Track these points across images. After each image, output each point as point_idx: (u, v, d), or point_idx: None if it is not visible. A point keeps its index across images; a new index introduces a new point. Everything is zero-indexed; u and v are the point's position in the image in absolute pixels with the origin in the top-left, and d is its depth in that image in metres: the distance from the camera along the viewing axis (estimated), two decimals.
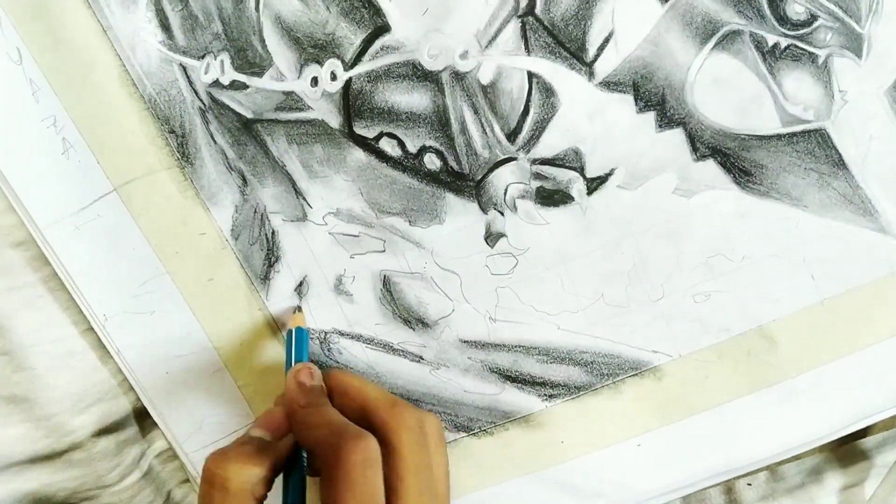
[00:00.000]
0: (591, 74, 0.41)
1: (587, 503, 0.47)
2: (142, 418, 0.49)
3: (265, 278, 0.45)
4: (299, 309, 0.46)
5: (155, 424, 0.48)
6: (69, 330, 0.46)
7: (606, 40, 0.40)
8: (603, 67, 0.41)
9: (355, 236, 0.44)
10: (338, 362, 0.46)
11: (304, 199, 0.44)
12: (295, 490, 0.40)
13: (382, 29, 0.41)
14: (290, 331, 0.45)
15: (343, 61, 0.42)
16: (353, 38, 0.41)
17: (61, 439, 0.47)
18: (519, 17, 0.40)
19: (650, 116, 0.41)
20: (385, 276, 0.45)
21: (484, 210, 0.43)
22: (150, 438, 0.50)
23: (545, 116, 0.41)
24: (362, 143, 0.43)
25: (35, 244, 0.44)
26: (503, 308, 0.45)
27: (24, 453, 0.47)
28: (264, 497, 0.38)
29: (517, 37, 0.41)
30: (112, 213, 0.44)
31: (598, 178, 0.42)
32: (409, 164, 0.43)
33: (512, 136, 0.42)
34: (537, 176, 0.42)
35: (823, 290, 0.43)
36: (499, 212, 0.43)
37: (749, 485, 0.49)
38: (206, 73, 0.42)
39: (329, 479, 0.36)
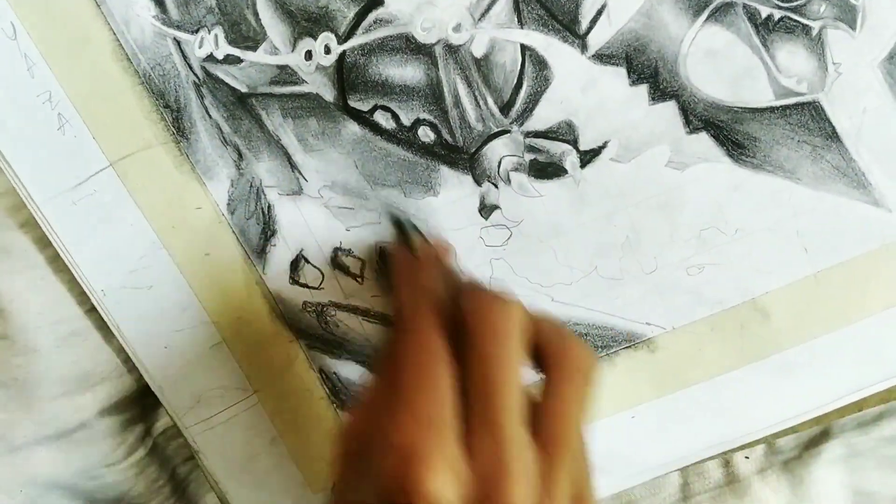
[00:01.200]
0: (583, 47, 0.41)
1: None
2: (145, 396, 0.49)
3: (262, 252, 0.46)
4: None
5: (159, 402, 0.49)
6: (74, 310, 0.47)
7: (599, 12, 0.40)
8: (596, 40, 0.41)
9: (351, 209, 0.44)
10: (335, 335, 0.47)
11: (300, 172, 0.44)
12: None
13: (375, 2, 0.41)
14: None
15: (337, 35, 0.42)
16: (346, 11, 0.41)
17: (67, 419, 0.48)
18: None
19: (643, 89, 0.41)
20: (381, 249, 0.45)
21: (478, 182, 0.43)
22: (154, 416, 0.50)
23: (538, 89, 0.42)
24: (357, 116, 0.43)
25: (38, 225, 0.44)
26: (497, 280, 0.45)
27: (29, 436, 0.47)
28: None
29: (510, 9, 0.41)
30: (108, 188, 0.44)
31: (592, 150, 0.42)
32: (404, 136, 0.43)
33: (505, 108, 0.42)
34: (531, 149, 0.42)
35: (816, 262, 0.43)
36: (493, 184, 0.43)
37: (747, 458, 0.49)
38: (200, 47, 0.43)
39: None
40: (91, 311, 0.47)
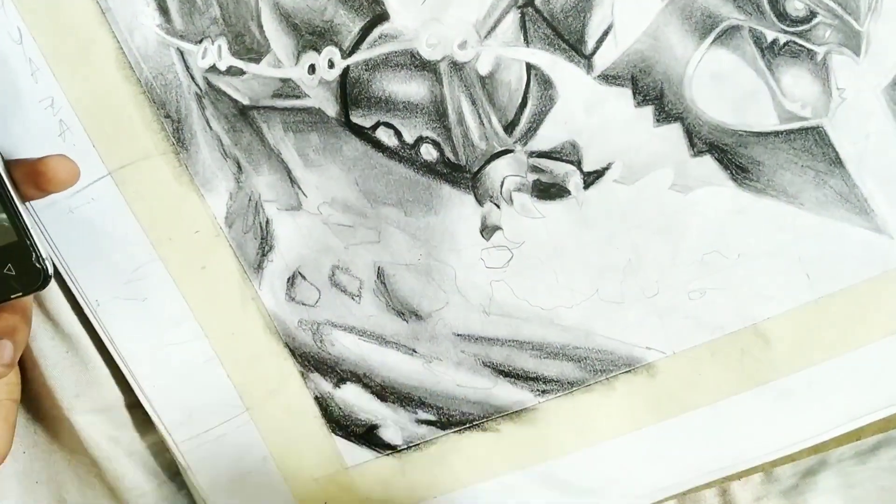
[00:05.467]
0: (589, 67, 0.41)
1: (578, 500, 0.47)
2: (135, 407, 0.49)
3: (258, 267, 0.45)
4: None
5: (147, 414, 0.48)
6: (68, 317, 0.46)
7: (605, 33, 0.40)
8: (602, 60, 0.41)
9: (350, 226, 0.44)
10: (330, 354, 0.46)
11: (300, 187, 0.44)
12: None
13: (381, 17, 0.41)
14: None
15: (341, 49, 0.42)
16: (351, 25, 0.41)
17: (53, 424, 0.47)
18: (518, 7, 0.40)
19: (648, 111, 0.41)
20: (379, 268, 0.45)
21: (480, 202, 0.43)
22: (142, 428, 0.50)
23: (543, 109, 0.41)
24: (359, 132, 0.43)
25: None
26: (497, 302, 0.44)
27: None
28: None
29: (516, 28, 0.41)
30: (106, 197, 0.44)
31: (595, 171, 0.42)
32: (406, 154, 0.43)
33: (509, 127, 0.42)
34: (534, 169, 0.42)
35: (818, 288, 0.43)
36: (495, 204, 0.43)
37: (744, 486, 0.48)
38: (203, 57, 0.42)
39: None
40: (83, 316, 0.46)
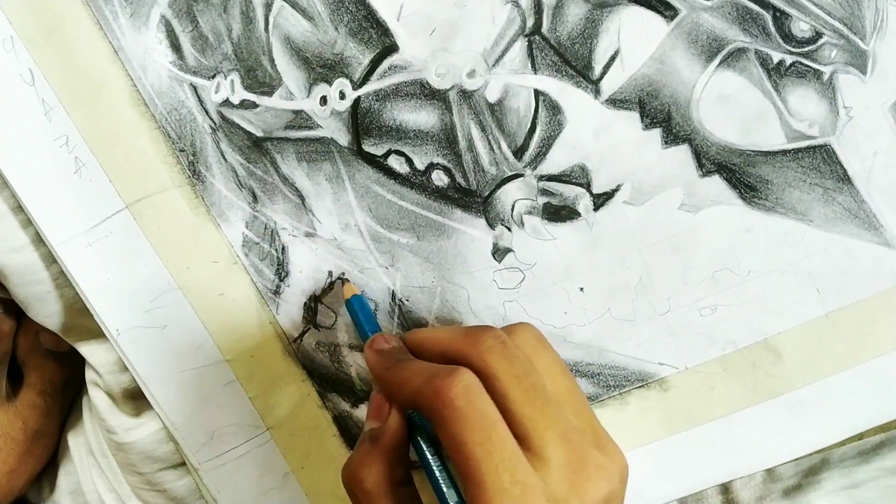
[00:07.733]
0: (597, 92, 0.41)
1: None
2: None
3: (275, 292, 0.46)
4: (343, 279, 0.45)
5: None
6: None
7: (612, 58, 0.41)
8: (609, 85, 0.41)
9: (364, 251, 0.45)
10: (347, 374, 0.47)
11: (314, 215, 0.44)
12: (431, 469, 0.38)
13: (390, 49, 0.41)
14: (349, 301, 0.43)
15: (351, 80, 0.42)
16: (361, 57, 0.42)
17: None
18: (525, 36, 0.41)
19: (656, 133, 0.41)
20: (393, 291, 0.45)
21: (491, 226, 0.43)
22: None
23: (552, 133, 0.42)
24: (371, 160, 0.43)
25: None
26: (510, 321, 0.45)
27: None
28: (406, 478, 0.38)
29: (524, 55, 0.41)
30: (124, 229, 0.44)
31: (605, 193, 0.43)
32: (417, 180, 0.43)
33: (519, 153, 0.42)
34: (544, 192, 0.43)
35: (828, 303, 0.43)
36: (506, 227, 0.43)
37: (746, 485, 0.49)
38: (216, 92, 0.43)
39: (439, 425, 0.34)
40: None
